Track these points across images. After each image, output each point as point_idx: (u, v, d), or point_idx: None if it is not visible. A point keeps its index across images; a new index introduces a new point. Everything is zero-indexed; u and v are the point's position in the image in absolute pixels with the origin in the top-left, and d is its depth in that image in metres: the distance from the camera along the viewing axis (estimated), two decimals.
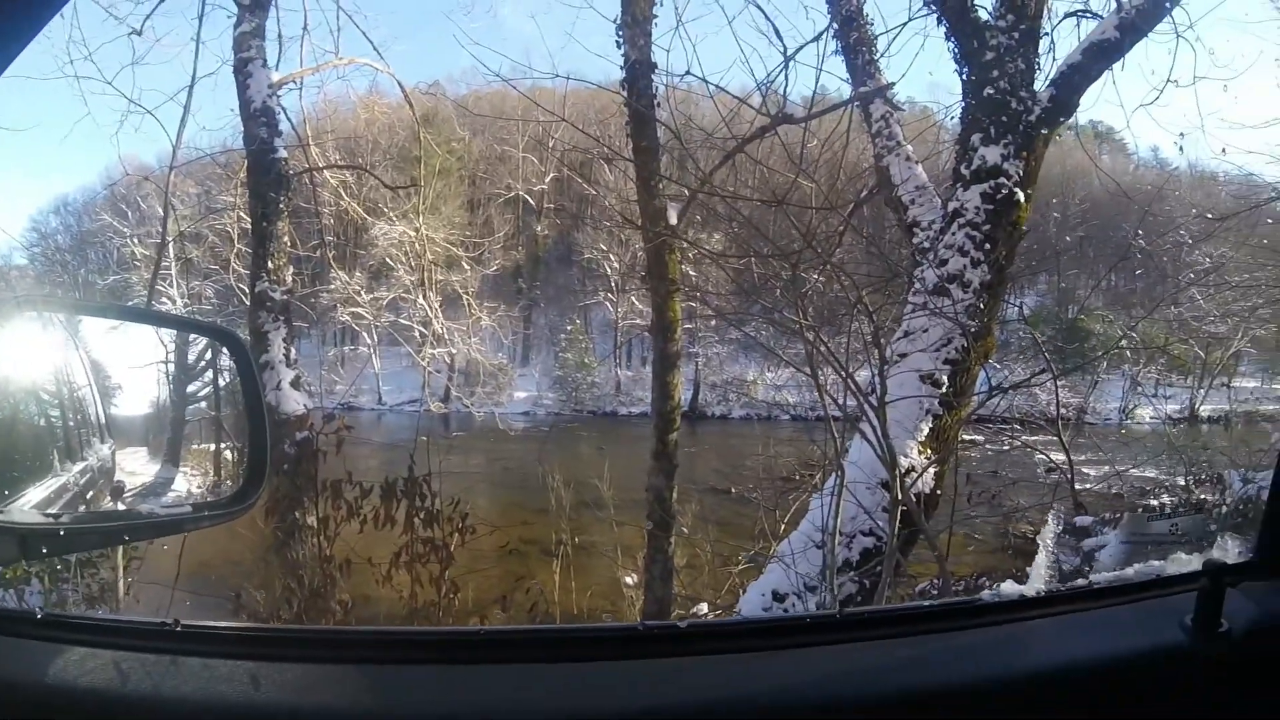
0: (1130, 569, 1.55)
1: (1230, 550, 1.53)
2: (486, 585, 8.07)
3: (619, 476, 10.51)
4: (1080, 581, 1.53)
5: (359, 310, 34.46)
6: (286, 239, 10.23)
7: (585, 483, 10.96)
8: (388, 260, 32.90)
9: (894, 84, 7.98)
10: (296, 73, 11.19)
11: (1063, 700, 1.22)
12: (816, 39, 7.89)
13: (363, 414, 32.46)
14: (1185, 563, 1.50)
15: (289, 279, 10.25)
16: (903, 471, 5.34)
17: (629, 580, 9.04)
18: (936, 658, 1.29)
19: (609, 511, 9.66)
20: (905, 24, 7.79)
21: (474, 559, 7.45)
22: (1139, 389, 30.44)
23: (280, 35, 11.01)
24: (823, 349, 5.30)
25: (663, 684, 1.24)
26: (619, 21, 7.80)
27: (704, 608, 8.33)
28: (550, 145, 29.68)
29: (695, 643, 1.33)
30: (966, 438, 8.40)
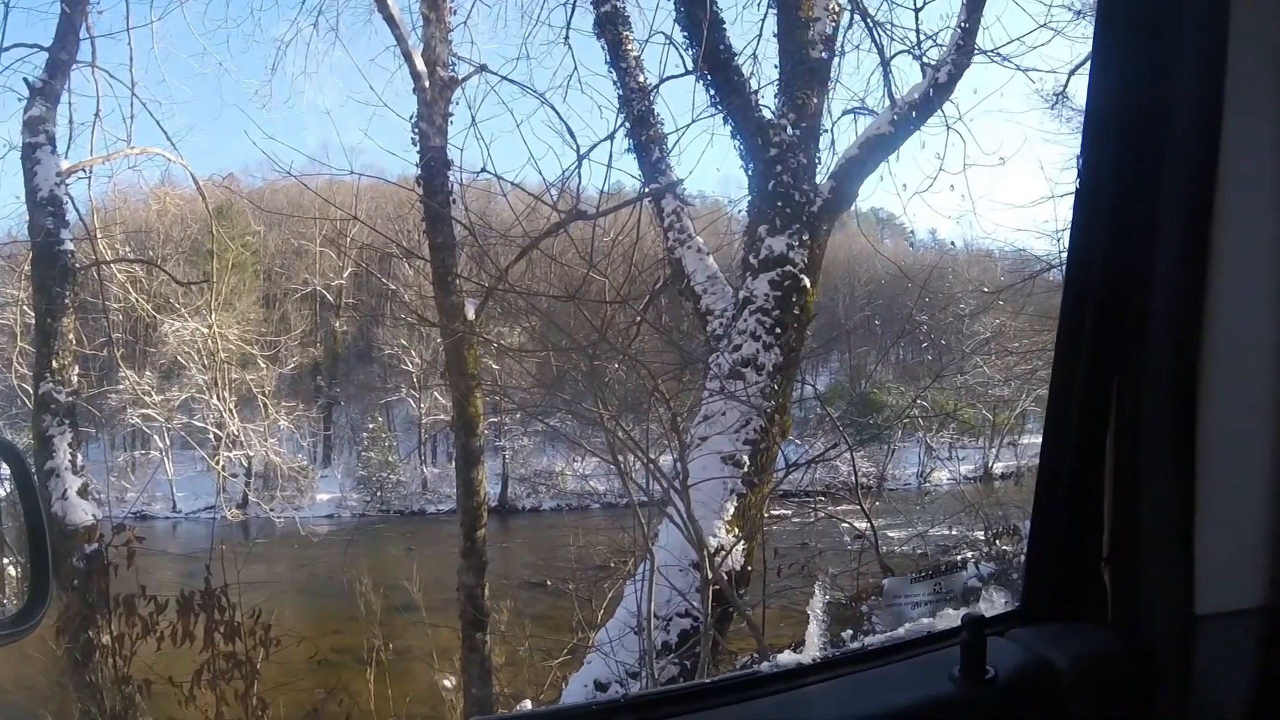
0: (902, 629, 1.62)
1: (997, 601, 1.65)
2: (298, 700, 7.63)
3: (430, 576, 10.24)
4: (855, 645, 1.60)
5: (150, 412, 32.02)
6: (72, 336, 9.77)
7: (396, 585, 10.60)
8: (179, 359, 30.84)
9: (683, 180, 8.25)
10: (87, 161, 10.71)
11: None
12: (609, 138, 8.11)
13: (156, 523, 30.16)
14: (954, 618, 1.59)
15: (75, 379, 9.76)
16: (711, 551, 5.45)
17: (447, 683, 8.71)
18: None
19: (421, 614, 9.35)
20: (692, 122, 8.19)
21: (283, 673, 7.09)
22: (934, 454, 32.37)
23: (71, 120, 10.54)
24: (624, 437, 5.39)
25: None
26: (414, 119, 7.85)
27: (527, 704, 8.13)
28: (349, 240, 29.07)
29: None
30: (773, 513, 8.68)
